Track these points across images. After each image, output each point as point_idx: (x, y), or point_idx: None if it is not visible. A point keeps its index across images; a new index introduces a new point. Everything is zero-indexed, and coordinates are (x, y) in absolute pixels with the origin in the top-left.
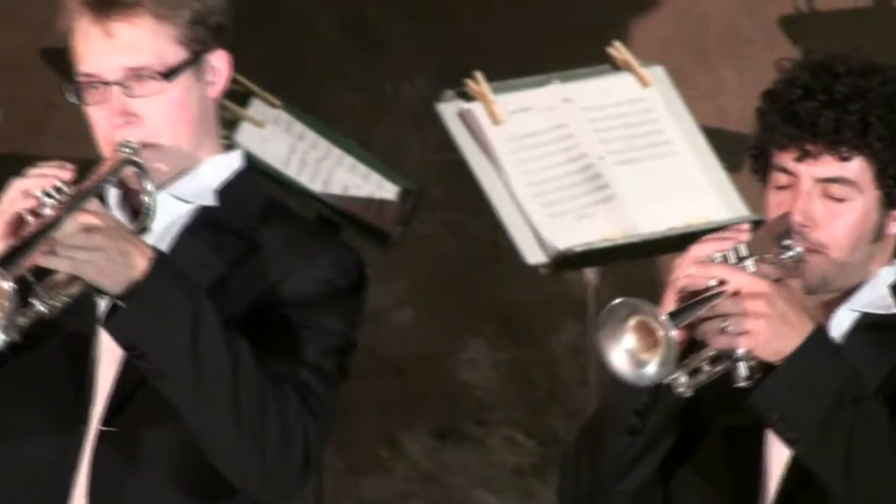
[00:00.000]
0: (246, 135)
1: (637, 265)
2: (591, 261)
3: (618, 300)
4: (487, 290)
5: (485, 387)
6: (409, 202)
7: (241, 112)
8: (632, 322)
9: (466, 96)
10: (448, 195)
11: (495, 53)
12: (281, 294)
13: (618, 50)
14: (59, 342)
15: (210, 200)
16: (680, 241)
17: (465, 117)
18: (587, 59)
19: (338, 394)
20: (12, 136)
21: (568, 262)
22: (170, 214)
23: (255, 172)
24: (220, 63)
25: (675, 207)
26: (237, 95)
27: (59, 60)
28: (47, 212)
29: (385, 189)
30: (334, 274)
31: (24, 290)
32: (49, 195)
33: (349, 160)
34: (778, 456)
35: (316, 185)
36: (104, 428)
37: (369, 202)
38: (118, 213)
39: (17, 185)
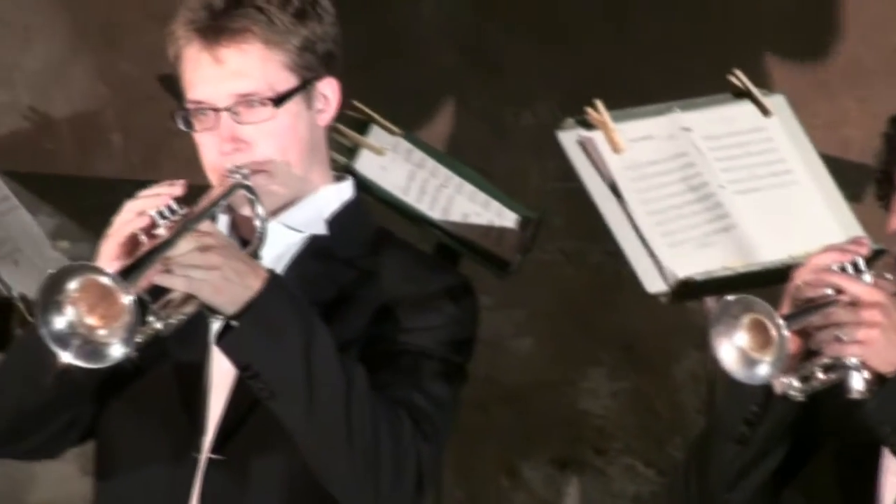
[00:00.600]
0: (366, 162)
1: (757, 294)
2: (712, 289)
3: (733, 297)
4: (607, 318)
5: (605, 416)
6: (529, 230)
7: (360, 139)
8: (746, 320)
9: (587, 124)
10: (568, 223)
11: (617, 81)
12: (393, 321)
13: (738, 78)
14: (170, 370)
15: (321, 230)
16: None
17: (585, 145)
18: (708, 88)
19: (451, 420)
20: (131, 163)
21: (688, 290)
22: (280, 243)
23: (365, 203)
24: (329, 91)
25: (796, 237)
26: (357, 122)
27: (176, 87)
28: (161, 232)
29: (505, 217)
30: (447, 302)
31: (142, 308)
32: (162, 215)
33: (469, 188)
34: (893, 483)
35: (435, 213)
36: (214, 456)
37: (489, 230)
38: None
39: (130, 206)
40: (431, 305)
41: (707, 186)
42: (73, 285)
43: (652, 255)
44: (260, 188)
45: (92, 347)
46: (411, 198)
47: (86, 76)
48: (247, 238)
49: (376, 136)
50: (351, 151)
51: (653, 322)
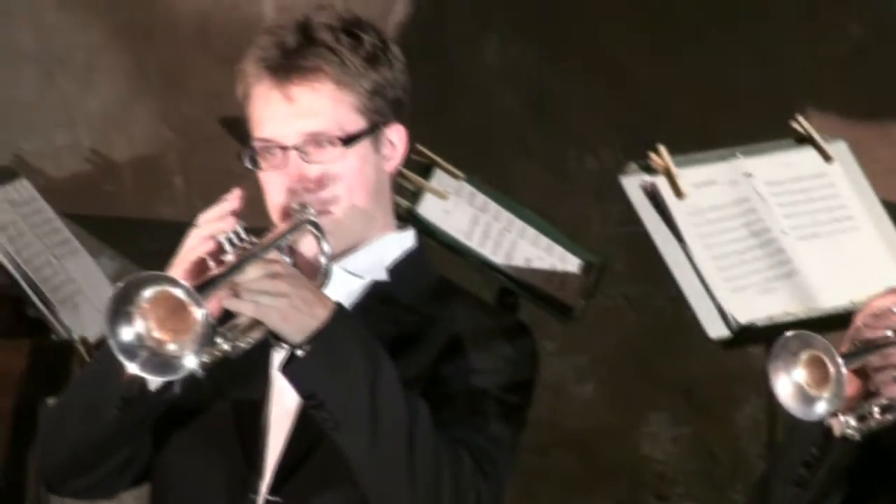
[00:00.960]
0: (429, 206)
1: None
2: (774, 335)
3: (792, 333)
4: (669, 363)
5: (666, 461)
6: (592, 275)
7: (423, 183)
8: (804, 356)
9: (650, 169)
10: (630, 268)
11: (678, 126)
12: (454, 363)
13: (800, 124)
14: (229, 409)
15: (382, 277)
16: None
17: (648, 190)
18: (770, 133)
19: (512, 461)
20: (193, 206)
21: (750, 336)
22: (341, 289)
23: (427, 252)
24: (397, 138)
25: (858, 282)
26: (420, 166)
27: (240, 129)
28: (229, 258)
29: (568, 262)
30: (507, 347)
31: (211, 335)
32: (230, 241)
33: (532, 232)
34: None
35: (498, 258)
36: (272, 498)
37: (552, 275)
38: None
39: (198, 231)
40: (492, 349)
41: (769, 232)
42: (145, 296)
43: (714, 300)
44: (324, 228)
45: (161, 360)
46: (474, 242)
47: (148, 118)
48: (309, 276)
49: (439, 179)
50: (414, 195)
51: (714, 367)
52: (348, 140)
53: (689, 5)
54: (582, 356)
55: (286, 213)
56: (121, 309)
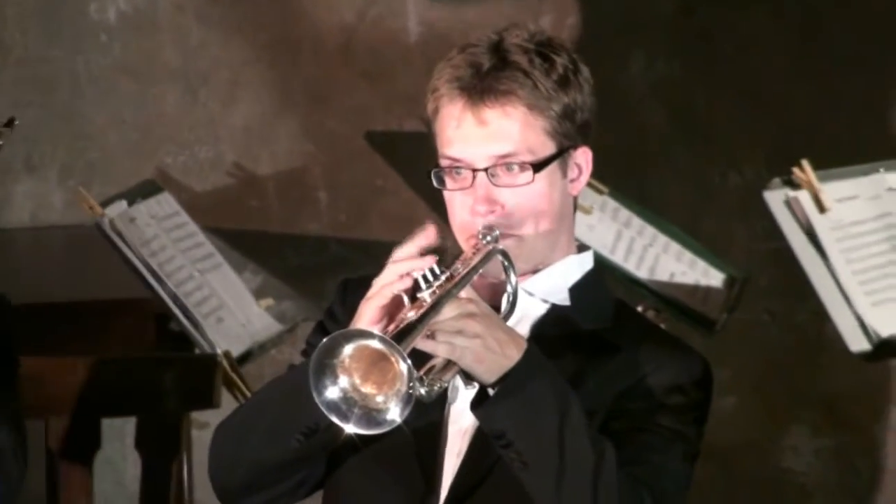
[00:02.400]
0: None
1: None
2: None
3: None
4: (811, 377)
5: (807, 473)
6: (735, 290)
7: None
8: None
9: (793, 184)
10: (773, 283)
11: (822, 141)
12: (638, 398)
13: None
14: (407, 432)
15: (563, 299)
16: None
17: (791, 205)
18: None
19: (685, 499)
20: (337, 221)
21: (891, 349)
22: (522, 310)
23: (605, 274)
24: (583, 161)
25: None
26: None
27: (384, 144)
28: (424, 295)
29: (711, 276)
30: (687, 380)
31: (415, 382)
32: (426, 279)
33: (675, 247)
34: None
35: (642, 273)
36: None
37: (695, 289)
38: None
39: (394, 268)
40: (677, 387)
41: None
42: (347, 352)
43: (855, 313)
44: (509, 252)
45: (369, 415)
46: (618, 257)
47: (291, 134)
48: (489, 301)
49: (583, 195)
50: None
51: (856, 381)
52: (538, 165)
53: (838, 24)
54: (724, 370)
55: (472, 235)
56: (325, 368)
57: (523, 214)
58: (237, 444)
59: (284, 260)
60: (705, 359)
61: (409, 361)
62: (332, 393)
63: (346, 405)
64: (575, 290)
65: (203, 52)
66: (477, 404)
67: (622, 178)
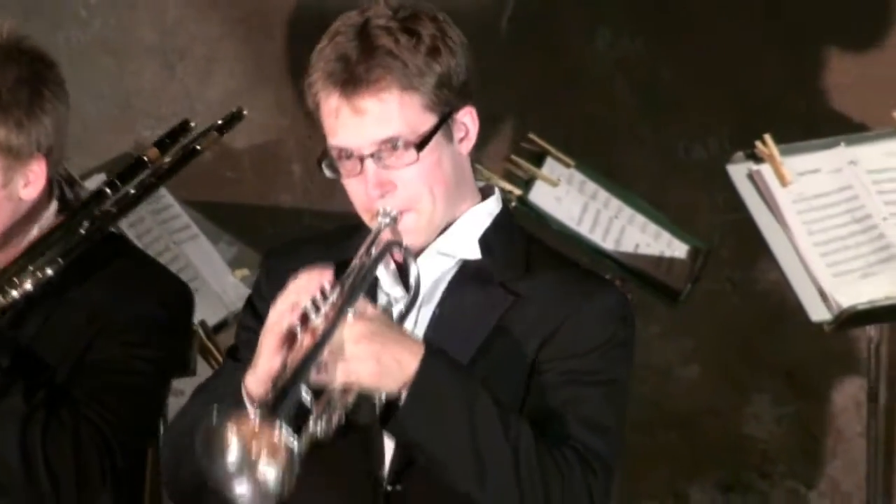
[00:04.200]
0: (540, 193)
1: None
2: (874, 318)
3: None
4: (772, 346)
5: (768, 440)
6: (699, 260)
7: (535, 171)
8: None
9: (756, 158)
10: (736, 254)
11: (784, 116)
12: (558, 346)
13: None
14: (345, 436)
15: (474, 253)
16: None
17: (754, 178)
18: (873, 122)
19: (620, 444)
20: (310, 193)
21: (851, 319)
22: (437, 270)
23: (513, 214)
24: (468, 119)
25: None
26: (532, 155)
27: None
28: (317, 321)
29: (675, 248)
30: (608, 320)
31: (301, 416)
32: (315, 303)
33: (641, 219)
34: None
35: (608, 244)
36: (391, 488)
37: (659, 260)
38: (392, 286)
39: (283, 299)
40: (591, 326)
41: (871, 218)
42: (231, 431)
43: (816, 284)
44: (410, 227)
45: (260, 486)
46: (584, 228)
47: (266, 107)
48: (399, 262)
49: (551, 167)
50: (526, 183)
51: (816, 349)
52: (421, 143)
53: (801, 3)
54: (687, 339)
55: (374, 215)
56: (213, 447)
57: (417, 190)
58: (182, 461)
59: (259, 231)
60: (622, 293)
61: (292, 438)
62: (228, 468)
63: (241, 475)
64: (484, 241)
65: (179, 28)
66: (385, 419)
67: (588, 152)
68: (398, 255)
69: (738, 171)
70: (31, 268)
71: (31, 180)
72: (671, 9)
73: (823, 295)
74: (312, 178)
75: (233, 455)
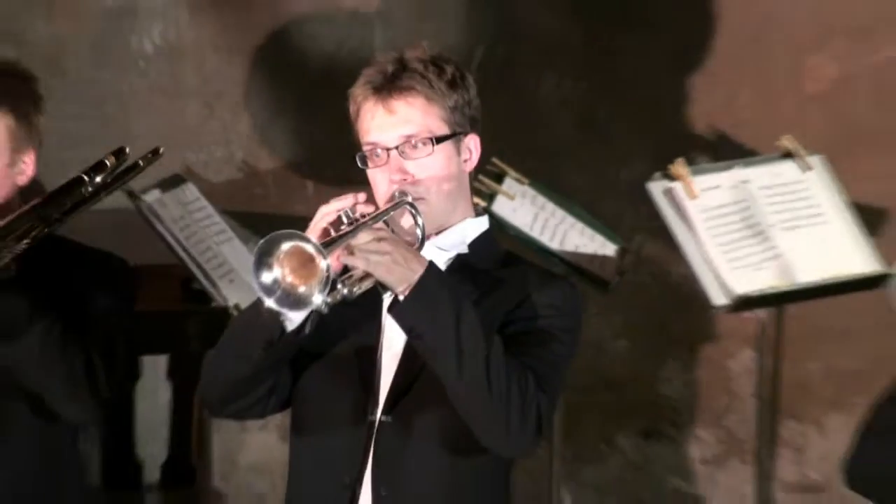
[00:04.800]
0: (501, 205)
1: (796, 307)
2: (762, 303)
3: (264, 239)
4: (682, 324)
5: (679, 399)
6: (626, 258)
7: (496, 187)
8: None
9: (670, 177)
10: (655, 252)
11: (694, 145)
12: (521, 312)
13: (789, 141)
14: (351, 350)
15: (464, 250)
16: (830, 289)
17: (669, 193)
18: (764, 149)
19: (562, 382)
20: (319, 204)
21: (745, 303)
22: (435, 260)
23: (498, 233)
24: (473, 146)
25: (827, 263)
26: (494, 175)
27: (357, 146)
28: (345, 228)
29: (607, 247)
30: (561, 301)
31: (332, 281)
32: (347, 216)
33: (580, 225)
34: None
35: (554, 244)
36: (384, 418)
37: (594, 257)
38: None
39: (324, 208)
40: (549, 302)
41: (760, 225)
42: (283, 249)
43: (718, 276)
44: (420, 210)
45: (293, 298)
46: (535, 232)
47: (285, 137)
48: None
49: (509, 185)
50: (490, 197)
51: (717, 327)
52: (437, 140)
53: (704, 50)
54: (617, 318)
55: (391, 200)
56: (263, 259)
57: (428, 181)
58: (215, 366)
59: None
60: (574, 285)
61: (328, 259)
62: (266, 278)
63: (276, 289)
64: (473, 244)
65: (217, 75)
66: (391, 308)
67: (539, 173)
68: (404, 224)
69: (656, 188)
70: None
71: (24, 169)
72: (605, 58)
73: (722, 284)
74: (322, 193)
75: (280, 271)
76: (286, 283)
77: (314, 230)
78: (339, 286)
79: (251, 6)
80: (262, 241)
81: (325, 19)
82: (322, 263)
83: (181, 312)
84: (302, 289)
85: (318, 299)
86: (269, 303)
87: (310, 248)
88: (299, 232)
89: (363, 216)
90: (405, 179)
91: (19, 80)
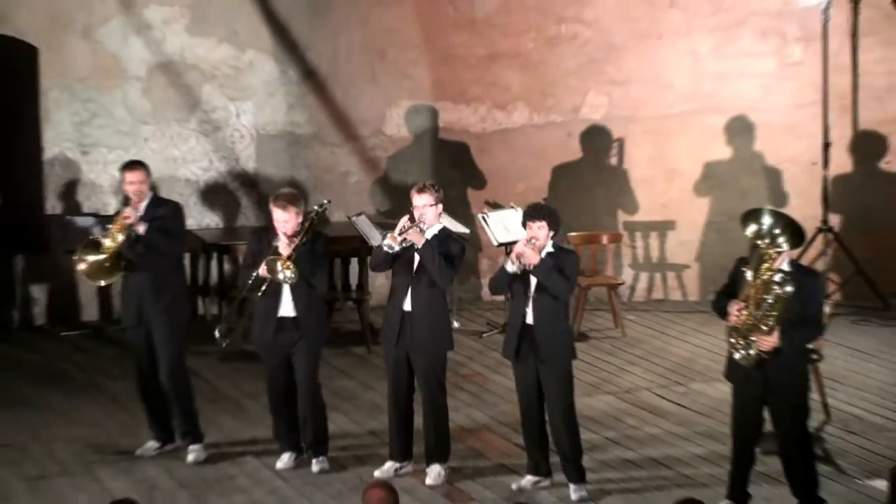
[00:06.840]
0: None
1: None
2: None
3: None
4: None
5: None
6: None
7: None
8: None
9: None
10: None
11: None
12: (446, 246)
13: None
14: (406, 260)
15: (435, 233)
16: None
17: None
18: (505, 201)
19: (460, 264)
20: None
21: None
22: (429, 237)
23: (444, 228)
24: (440, 208)
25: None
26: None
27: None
28: (406, 225)
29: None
30: (457, 246)
31: (402, 241)
32: (405, 224)
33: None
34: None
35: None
36: (415, 277)
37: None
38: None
39: (401, 222)
40: (453, 243)
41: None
42: (388, 234)
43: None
44: (423, 224)
45: (391, 244)
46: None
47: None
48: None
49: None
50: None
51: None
52: (434, 204)
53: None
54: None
55: (413, 220)
56: (383, 234)
57: (430, 215)
58: (375, 256)
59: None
60: (462, 241)
61: (390, 238)
62: (385, 239)
63: (385, 241)
64: (438, 233)
65: None
66: (418, 250)
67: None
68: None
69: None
70: None
71: None
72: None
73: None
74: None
75: (388, 236)
76: (389, 240)
77: (397, 228)
78: (403, 242)
79: None
80: (383, 234)
81: None
82: (399, 237)
83: (355, 248)
84: (394, 242)
85: (397, 245)
86: (385, 244)
87: (397, 233)
88: (389, 233)
89: (407, 224)
90: (421, 216)
91: None
